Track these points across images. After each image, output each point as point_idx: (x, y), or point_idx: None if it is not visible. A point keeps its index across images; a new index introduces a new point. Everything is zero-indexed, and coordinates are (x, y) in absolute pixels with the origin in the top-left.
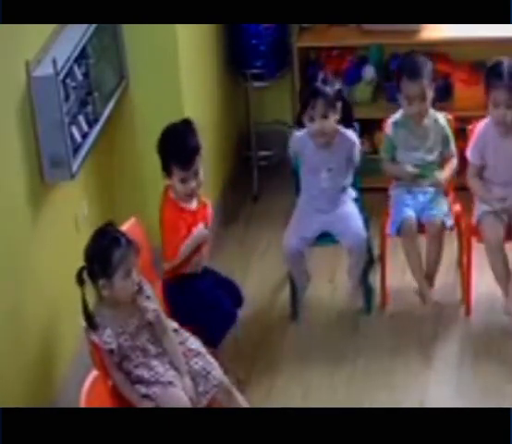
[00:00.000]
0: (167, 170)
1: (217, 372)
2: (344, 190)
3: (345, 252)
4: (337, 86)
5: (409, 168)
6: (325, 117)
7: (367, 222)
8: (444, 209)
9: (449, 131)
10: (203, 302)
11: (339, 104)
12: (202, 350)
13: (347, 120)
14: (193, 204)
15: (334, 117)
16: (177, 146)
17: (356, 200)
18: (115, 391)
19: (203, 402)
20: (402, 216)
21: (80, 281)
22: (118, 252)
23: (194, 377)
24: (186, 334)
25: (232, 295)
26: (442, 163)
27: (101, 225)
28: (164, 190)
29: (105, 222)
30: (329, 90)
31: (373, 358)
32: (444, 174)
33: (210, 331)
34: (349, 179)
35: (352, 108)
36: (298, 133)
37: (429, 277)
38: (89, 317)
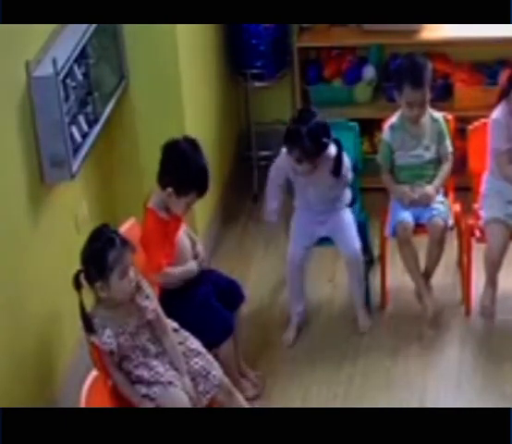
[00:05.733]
0: (182, 192)
1: (217, 372)
2: (337, 199)
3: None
4: (326, 139)
5: (406, 189)
6: (299, 162)
7: (367, 222)
8: (444, 209)
9: (444, 127)
10: (199, 314)
11: (322, 156)
12: (202, 349)
13: (335, 173)
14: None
15: (309, 166)
16: (201, 172)
17: (354, 201)
18: (115, 391)
19: (204, 402)
20: (397, 219)
21: (77, 285)
22: (113, 253)
23: (194, 377)
24: (185, 334)
25: (232, 296)
26: (439, 160)
27: (95, 227)
28: (145, 200)
29: (100, 224)
30: (310, 145)
31: (373, 358)
32: (434, 185)
33: (206, 342)
34: (345, 193)
35: (342, 164)
36: (282, 156)
37: (426, 276)
38: (87, 321)
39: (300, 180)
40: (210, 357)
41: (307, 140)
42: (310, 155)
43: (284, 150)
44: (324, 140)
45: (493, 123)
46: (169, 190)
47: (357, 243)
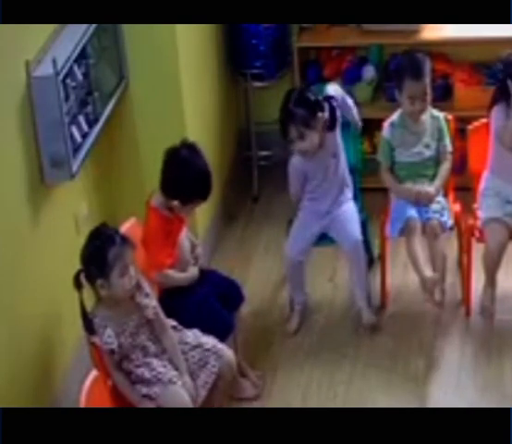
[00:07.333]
0: (187, 201)
1: (214, 360)
2: (344, 188)
3: (344, 255)
4: (314, 98)
5: (409, 186)
6: (301, 137)
7: (367, 222)
8: (439, 209)
9: (444, 125)
10: (199, 314)
11: (319, 116)
12: (198, 341)
13: (330, 127)
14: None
15: (312, 135)
16: (204, 180)
17: (354, 199)
18: (115, 391)
19: (203, 394)
20: (406, 216)
21: (78, 285)
22: (113, 250)
23: (193, 371)
24: (183, 330)
25: (232, 296)
26: (438, 158)
27: (95, 226)
28: (147, 198)
29: (99, 223)
30: (301, 111)
31: (374, 358)
32: (434, 185)
33: None
34: (348, 176)
35: (336, 114)
36: (294, 158)
37: (439, 282)
38: (87, 321)
39: (318, 168)
40: (206, 344)
41: (298, 110)
42: (307, 120)
43: (292, 160)
44: (312, 97)
45: (493, 112)
46: (175, 202)
47: (358, 235)
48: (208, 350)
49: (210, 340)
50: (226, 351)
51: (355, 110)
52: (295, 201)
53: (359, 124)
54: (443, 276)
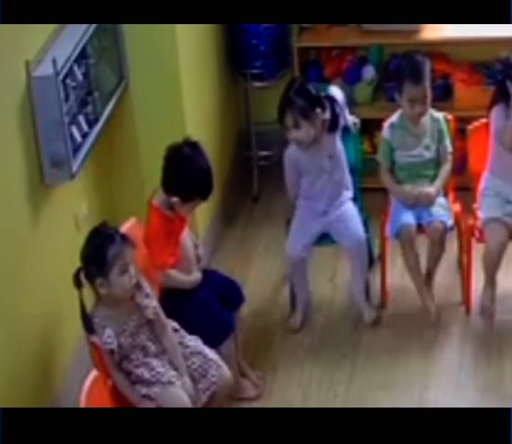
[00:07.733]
0: (188, 199)
1: (215, 370)
2: (342, 190)
3: (345, 254)
4: (315, 92)
5: (408, 188)
6: (297, 126)
7: (367, 222)
8: (444, 212)
9: (444, 126)
10: (199, 314)
11: (318, 112)
12: (200, 348)
13: (331, 128)
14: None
15: (308, 127)
16: (205, 178)
17: (354, 199)
18: (115, 391)
19: (203, 399)
20: (401, 222)
21: (78, 283)
22: (113, 248)
23: (193, 377)
24: (182, 333)
25: (232, 297)
26: (439, 160)
27: (94, 225)
28: (149, 198)
29: (99, 222)
30: (300, 101)
31: (373, 358)
32: (435, 185)
33: (206, 342)
34: (348, 178)
35: (338, 116)
36: (290, 148)
37: (429, 276)
38: (87, 321)
39: (312, 163)
40: (208, 354)
41: (298, 99)
42: (305, 111)
43: (288, 149)
44: (313, 92)
45: (492, 112)
46: (175, 199)
47: (362, 233)
48: (210, 359)
49: (212, 354)
50: (224, 367)
51: (347, 112)
52: (292, 195)
53: (357, 122)
54: (433, 275)
